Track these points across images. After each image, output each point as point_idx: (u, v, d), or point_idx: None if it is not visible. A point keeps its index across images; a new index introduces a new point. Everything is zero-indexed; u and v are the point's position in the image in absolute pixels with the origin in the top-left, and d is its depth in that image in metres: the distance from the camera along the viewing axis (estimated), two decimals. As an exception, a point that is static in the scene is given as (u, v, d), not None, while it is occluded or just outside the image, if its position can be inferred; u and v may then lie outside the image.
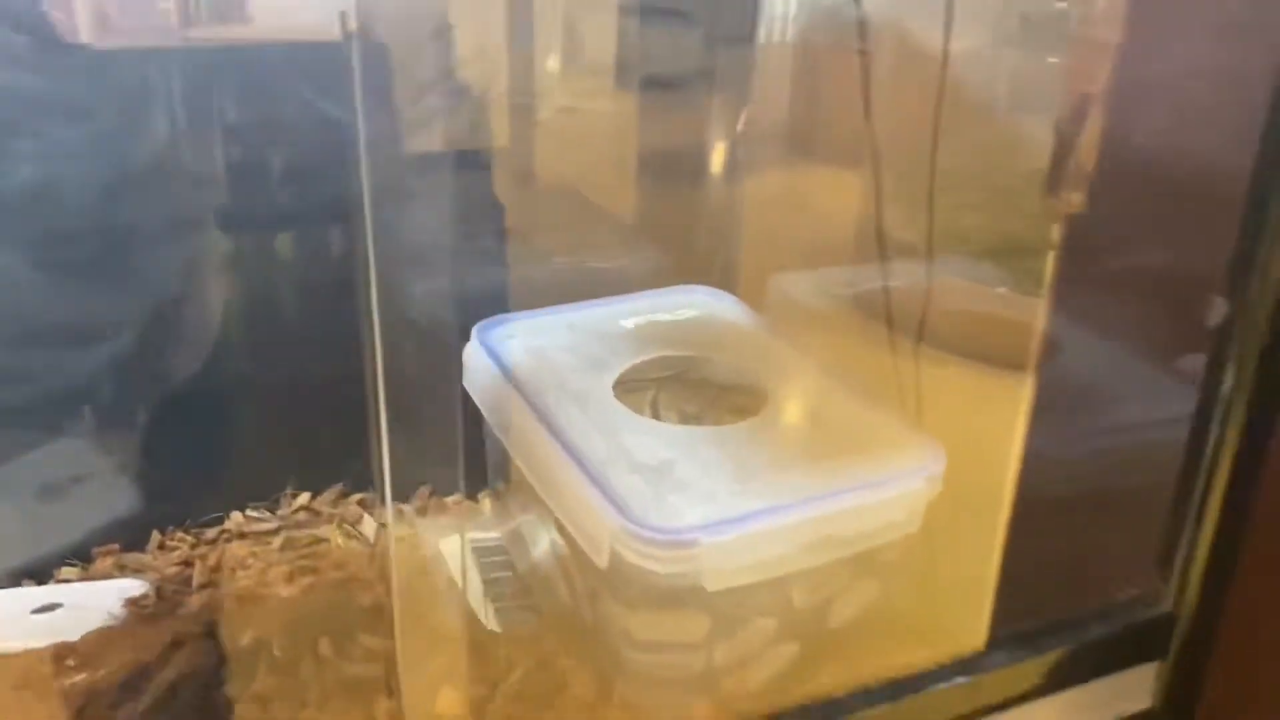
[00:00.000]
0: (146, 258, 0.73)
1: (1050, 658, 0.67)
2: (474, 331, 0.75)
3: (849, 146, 0.83)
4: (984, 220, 0.84)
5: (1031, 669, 0.66)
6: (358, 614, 0.67)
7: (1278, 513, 0.64)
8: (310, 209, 0.79)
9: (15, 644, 0.62)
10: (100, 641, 0.59)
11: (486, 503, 0.83)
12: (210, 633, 0.60)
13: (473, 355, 0.74)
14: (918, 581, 0.67)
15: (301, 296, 0.81)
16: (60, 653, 0.58)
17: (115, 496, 0.77)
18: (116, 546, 0.74)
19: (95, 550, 0.74)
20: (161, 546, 0.75)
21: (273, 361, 0.80)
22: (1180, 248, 0.68)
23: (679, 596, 0.58)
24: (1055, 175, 0.73)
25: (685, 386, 0.76)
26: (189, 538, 0.76)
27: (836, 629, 0.64)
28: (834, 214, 0.90)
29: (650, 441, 0.63)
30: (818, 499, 0.59)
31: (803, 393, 0.70)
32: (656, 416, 0.75)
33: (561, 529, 0.66)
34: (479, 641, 0.69)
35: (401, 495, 0.83)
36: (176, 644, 0.58)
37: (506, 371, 0.71)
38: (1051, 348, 0.73)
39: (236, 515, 0.77)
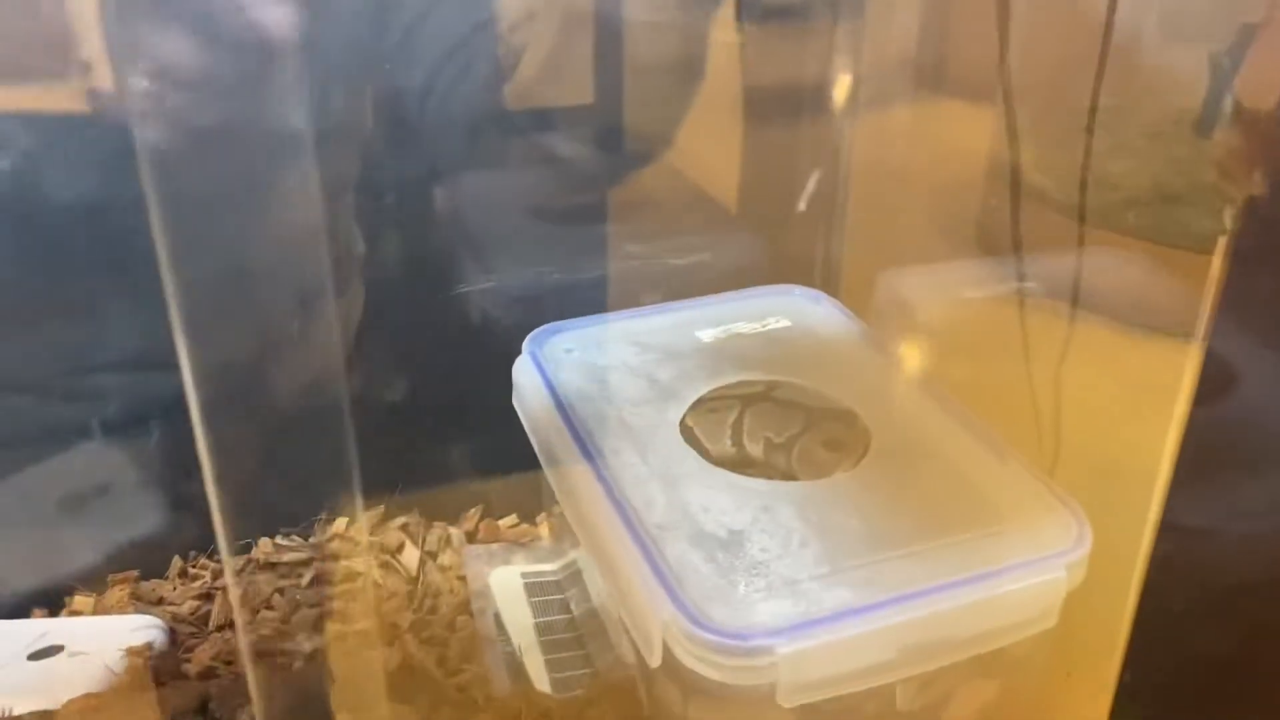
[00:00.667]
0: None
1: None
2: (525, 343, 0.64)
3: (980, 81, 0.72)
4: (1133, 165, 0.72)
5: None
6: (384, 677, 0.58)
7: None
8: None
9: (2, 700, 0.55)
10: (80, 715, 0.51)
11: (545, 528, 0.73)
12: (203, 708, 0.52)
13: (522, 371, 0.63)
14: (1048, 677, 0.54)
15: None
16: (36, 727, 0.51)
17: (140, 511, 0.70)
18: (134, 574, 0.67)
19: (111, 577, 0.67)
20: (183, 574, 0.68)
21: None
22: None
23: (748, 694, 0.47)
24: (1210, 115, 0.65)
25: (775, 408, 0.64)
26: (213, 564, 0.68)
27: (947, 735, 0.52)
28: (961, 157, 0.77)
29: (720, 500, 0.52)
30: (929, 593, 0.46)
31: (915, 436, 0.57)
32: (739, 444, 0.64)
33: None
34: (521, 707, 0.60)
35: (450, 515, 0.74)
36: (163, 724, 0.51)
37: (557, 395, 0.60)
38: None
39: (265, 542, 0.68)
